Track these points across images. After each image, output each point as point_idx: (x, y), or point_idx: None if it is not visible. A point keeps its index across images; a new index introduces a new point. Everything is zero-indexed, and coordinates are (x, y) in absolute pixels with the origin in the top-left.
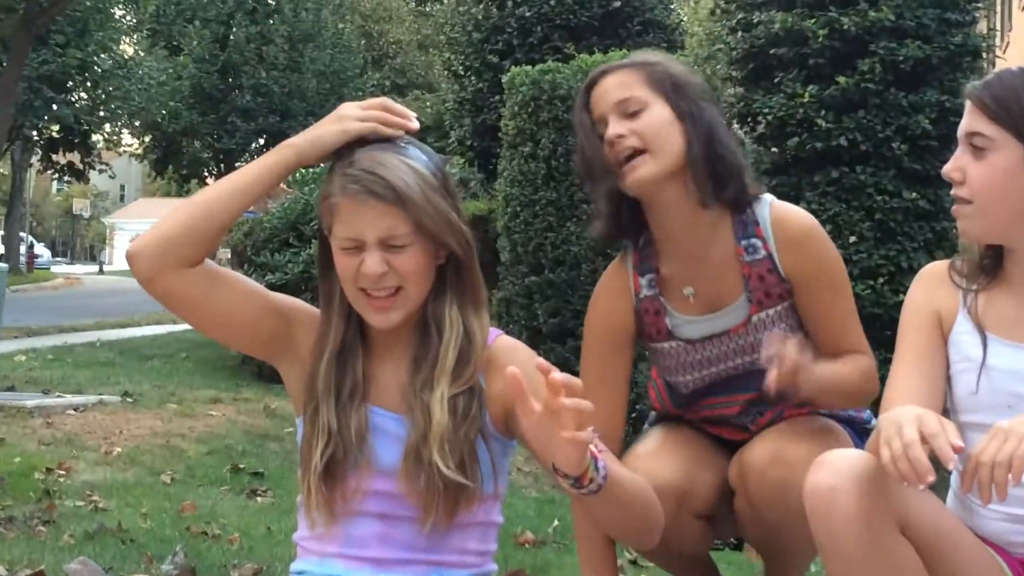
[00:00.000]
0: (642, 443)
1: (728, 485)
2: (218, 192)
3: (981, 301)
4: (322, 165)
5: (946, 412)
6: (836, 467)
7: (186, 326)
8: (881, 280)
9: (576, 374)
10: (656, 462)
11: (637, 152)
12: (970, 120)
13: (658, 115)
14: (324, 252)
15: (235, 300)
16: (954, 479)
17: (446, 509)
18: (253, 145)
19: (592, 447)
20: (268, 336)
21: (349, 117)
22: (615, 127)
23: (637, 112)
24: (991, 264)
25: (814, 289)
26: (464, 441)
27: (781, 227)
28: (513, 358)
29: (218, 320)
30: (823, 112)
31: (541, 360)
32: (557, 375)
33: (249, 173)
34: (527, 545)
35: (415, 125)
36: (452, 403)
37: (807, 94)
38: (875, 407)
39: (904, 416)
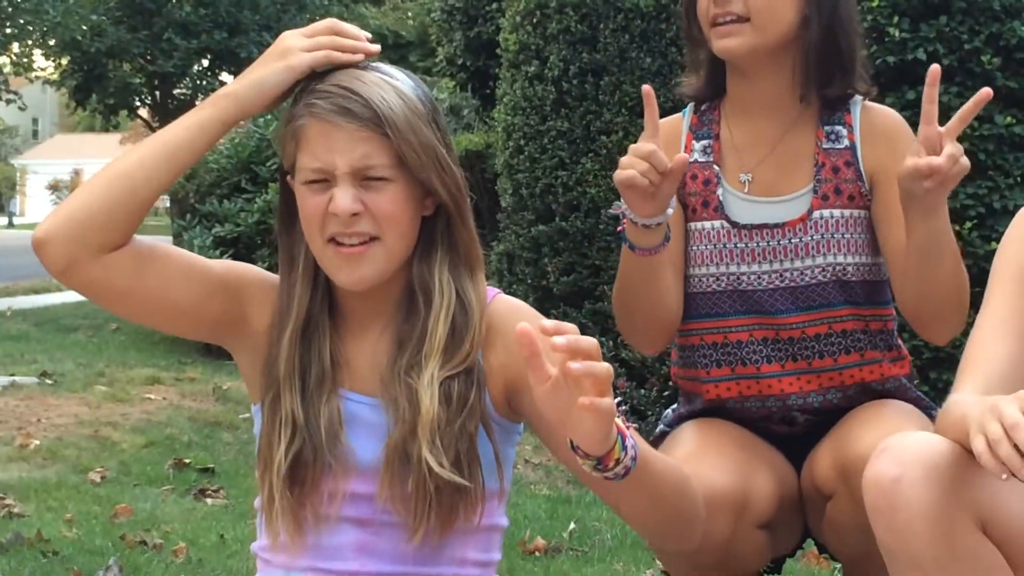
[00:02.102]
0: (676, 444)
1: (785, 488)
2: (141, 159)
3: None
4: None
5: None
6: (902, 453)
7: None
8: (968, 225)
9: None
10: (703, 466)
11: (738, 19)
12: None
13: None
14: (285, 201)
15: (171, 281)
16: None
17: (440, 518)
18: (195, 67)
19: (619, 421)
20: (216, 318)
21: (294, 49)
22: None
23: None
24: None
25: (896, 190)
26: (461, 434)
27: (870, 117)
28: (515, 323)
29: (152, 307)
30: (896, 19)
31: (546, 320)
32: (561, 339)
33: (179, 133)
34: (537, 553)
35: (374, 48)
36: (445, 388)
37: None
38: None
39: (1000, 399)
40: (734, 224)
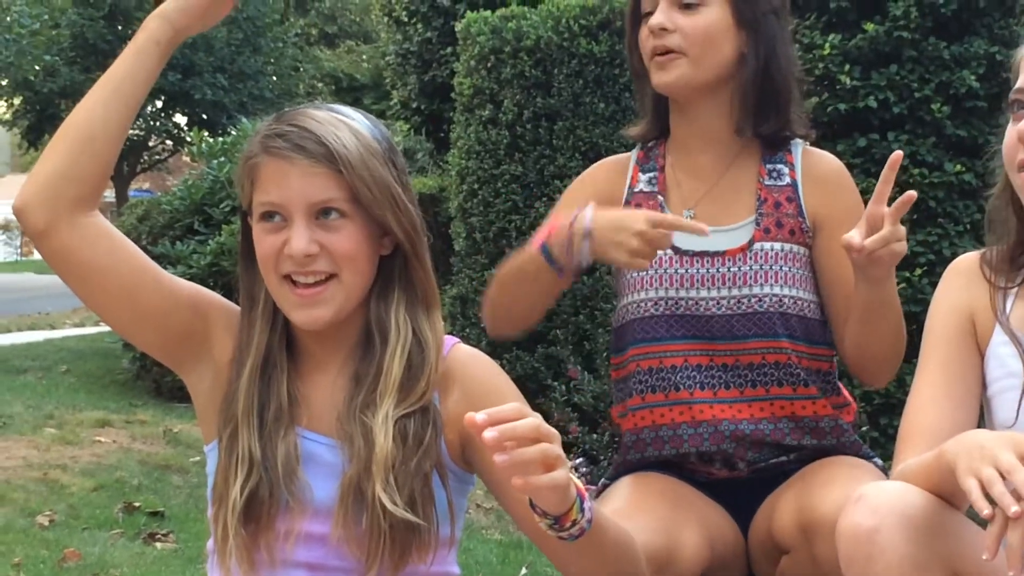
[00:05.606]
0: (609, 500)
1: (719, 542)
2: (90, 105)
3: (1013, 300)
4: (232, 132)
5: None
6: (878, 503)
7: (66, 332)
8: (919, 271)
9: (547, 388)
10: (629, 523)
11: (675, 53)
12: None
13: (715, 18)
14: (246, 240)
15: (144, 278)
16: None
17: (393, 557)
18: (148, 108)
19: (578, 482)
20: (179, 333)
21: None
22: (662, 16)
23: (693, 6)
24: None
25: (838, 237)
26: (416, 473)
27: (812, 160)
28: (473, 372)
29: (122, 301)
30: (847, 67)
31: (478, 414)
32: (490, 434)
33: (117, 67)
34: None
35: None
36: (400, 426)
37: (828, 45)
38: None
39: (990, 441)
40: (676, 250)
